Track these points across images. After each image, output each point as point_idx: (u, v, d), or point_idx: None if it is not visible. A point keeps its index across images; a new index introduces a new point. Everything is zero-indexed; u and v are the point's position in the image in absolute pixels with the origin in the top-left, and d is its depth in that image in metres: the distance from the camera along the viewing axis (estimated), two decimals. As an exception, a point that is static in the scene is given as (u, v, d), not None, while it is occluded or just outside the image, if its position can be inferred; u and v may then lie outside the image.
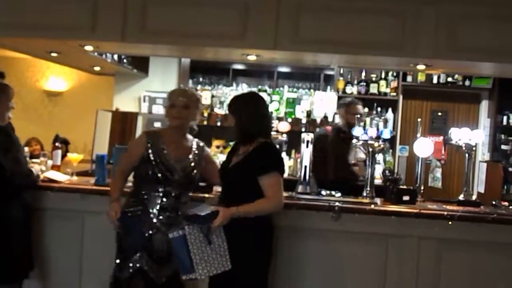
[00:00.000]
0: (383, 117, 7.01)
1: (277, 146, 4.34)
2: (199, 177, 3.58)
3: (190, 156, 3.49)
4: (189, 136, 3.58)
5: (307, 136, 4.15)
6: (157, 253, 3.34)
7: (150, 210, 3.37)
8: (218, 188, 3.74)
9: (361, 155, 4.76)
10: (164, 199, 3.38)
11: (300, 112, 6.95)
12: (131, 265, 3.33)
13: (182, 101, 3.44)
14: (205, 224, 3.08)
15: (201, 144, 3.62)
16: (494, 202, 4.21)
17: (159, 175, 3.37)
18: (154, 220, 3.36)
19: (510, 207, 4.12)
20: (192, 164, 3.48)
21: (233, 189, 3.29)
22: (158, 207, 3.38)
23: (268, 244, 3.30)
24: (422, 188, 4.27)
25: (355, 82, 7.15)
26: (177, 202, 3.42)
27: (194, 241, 3.09)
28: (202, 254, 3.10)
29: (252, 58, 4.33)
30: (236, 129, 3.31)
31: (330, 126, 5.20)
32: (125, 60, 6.39)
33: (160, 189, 3.39)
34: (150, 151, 3.40)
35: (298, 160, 4.49)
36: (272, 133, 4.26)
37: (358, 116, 4.69)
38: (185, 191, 3.48)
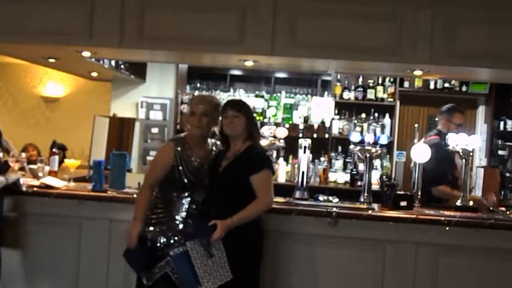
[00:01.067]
0: (380, 123, 7.02)
1: (275, 152, 4.37)
2: None
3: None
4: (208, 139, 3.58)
5: (305, 142, 4.15)
6: None
7: (176, 217, 3.36)
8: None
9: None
10: (193, 206, 3.39)
11: (297, 118, 6.95)
12: (157, 271, 3.31)
13: (202, 109, 3.42)
14: (205, 238, 3.16)
15: (219, 143, 3.59)
16: (491, 208, 4.21)
17: (186, 181, 3.37)
18: (181, 227, 3.34)
19: (507, 212, 4.13)
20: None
21: (226, 191, 3.34)
22: (184, 214, 3.36)
23: (259, 248, 3.39)
24: (419, 193, 4.28)
25: (352, 87, 7.15)
26: (204, 208, 3.39)
27: (197, 256, 3.17)
28: (205, 267, 3.17)
29: (249, 63, 4.34)
30: (244, 127, 3.37)
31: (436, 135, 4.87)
32: (122, 66, 6.38)
33: (187, 195, 3.39)
34: (178, 158, 3.38)
35: (296, 165, 4.49)
36: (270, 138, 4.29)
37: (459, 125, 4.70)
38: (212, 195, 3.43)
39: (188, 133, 3.52)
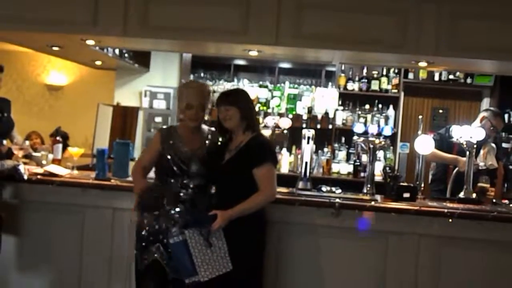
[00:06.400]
0: (384, 114, 7.02)
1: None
2: None
3: (206, 145, 3.49)
4: (203, 126, 3.57)
5: (308, 132, 4.15)
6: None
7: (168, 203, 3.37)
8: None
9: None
10: (183, 191, 3.39)
11: (301, 108, 6.94)
12: (146, 256, 3.34)
13: (200, 104, 3.42)
14: (205, 227, 3.17)
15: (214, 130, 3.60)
16: (494, 200, 4.21)
17: (175, 168, 3.38)
18: (172, 212, 3.35)
19: (511, 205, 4.12)
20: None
21: (229, 184, 3.33)
22: (168, 202, 3.36)
23: (262, 239, 3.38)
24: (422, 185, 4.28)
25: (357, 78, 7.14)
26: (195, 194, 3.39)
27: (195, 245, 3.17)
28: (204, 256, 3.17)
29: (253, 53, 4.33)
30: (238, 119, 3.33)
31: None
32: (126, 55, 6.38)
33: (178, 182, 3.39)
34: (165, 146, 3.41)
35: (299, 156, 4.50)
36: (273, 128, 4.28)
37: (494, 127, 4.82)
38: (206, 181, 3.44)
39: (181, 124, 3.52)
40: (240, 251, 3.23)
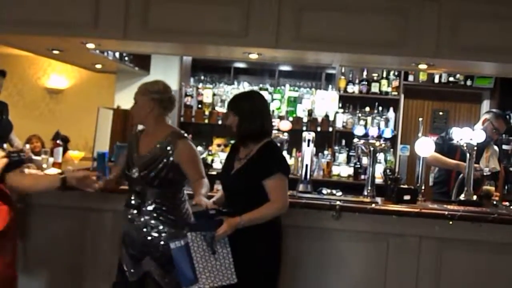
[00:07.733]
0: (384, 117, 7.02)
1: (278, 145, 4.35)
2: (168, 174, 3.27)
3: (154, 152, 3.29)
4: (167, 129, 3.41)
5: (308, 135, 4.15)
6: (130, 249, 3.35)
7: (124, 207, 3.38)
8: (219, 187, 3.73)
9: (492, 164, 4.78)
10: (132, 196, 3.34)
11: (301, 111, 6.95)
12: (136, 268, 3.35)
13: (135, 100, 3.41)
14: (209, 232, 3.01)
15: (180, 139, 3.34)
16: (495, 202, 4.21)
17: (125, 172, 3.39)
18: (129, 217, 3.35)
19: (511, 207, 4.12)
20: (152, 161, 3.27)
21: (238, 195, 3.20)
22: (125, 204, 3.38)
23: (277, 249, 3.21)
24: (423, 187, 4.27)
25: (357, 81, 7.14)
26: (140, 200, 3.30)
27: (197, 249, 3.02)
28: (206, 263, 3.02)
29: (253, 56, 4.33)
30: (238, 128, 3.21)
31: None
32: (126, 58, 6.38)
33: (129, 187, 3.39)
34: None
35: (299, 159, 4.49)
36: (274, 131, 4.27)
37: (496, 129, 4.85)
38: (149, 188, 3.28)
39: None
40: (253, 262, 3.11)
